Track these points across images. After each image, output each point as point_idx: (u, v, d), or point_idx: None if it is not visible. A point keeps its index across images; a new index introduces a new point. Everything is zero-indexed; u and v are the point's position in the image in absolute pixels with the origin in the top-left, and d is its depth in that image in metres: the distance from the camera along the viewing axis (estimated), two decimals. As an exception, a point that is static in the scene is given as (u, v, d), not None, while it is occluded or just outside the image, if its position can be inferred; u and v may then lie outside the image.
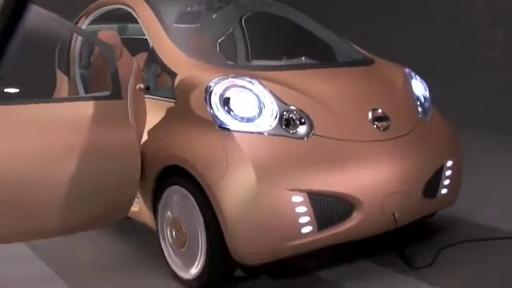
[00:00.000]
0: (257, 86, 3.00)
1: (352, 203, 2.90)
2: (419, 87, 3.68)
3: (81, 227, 3.16)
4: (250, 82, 3.01)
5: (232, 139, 2.83)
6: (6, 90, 5.19)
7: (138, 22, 3.71)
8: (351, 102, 3.21)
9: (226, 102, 2.94)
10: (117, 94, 3.11)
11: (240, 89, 2.99)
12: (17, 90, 5.12)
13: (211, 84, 2.98)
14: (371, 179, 2.95)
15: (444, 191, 3.39)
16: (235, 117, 2.91)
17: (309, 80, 3.27)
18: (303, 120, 2.97)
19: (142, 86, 3.40)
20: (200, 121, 2.96)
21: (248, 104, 2.95)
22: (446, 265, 3.19)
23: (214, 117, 2.91)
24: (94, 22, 4.32)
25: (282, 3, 4.39)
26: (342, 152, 2.95)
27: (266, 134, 2.88)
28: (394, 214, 3.01)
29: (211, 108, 2.93)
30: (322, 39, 4.15)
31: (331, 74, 3.47)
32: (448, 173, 3.41)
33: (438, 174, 3.34)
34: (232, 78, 3.02)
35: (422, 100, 3.60)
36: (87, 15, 4.30)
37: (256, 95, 2.97)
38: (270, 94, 2.99)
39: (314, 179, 2.81)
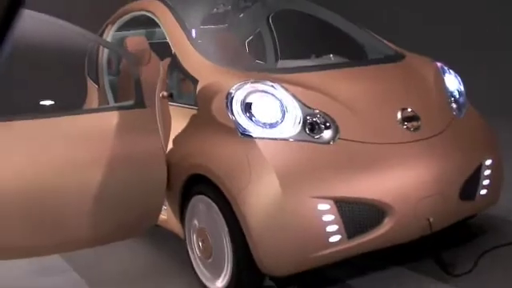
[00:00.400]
0: (279, 91, 2.90)
1: (382, 209, 2.76)
2: (453, 82, 3.49)
3: (110, 238, 3.14)
4: (271, 86, 2.92)
5: (254, 146, 2.74)
6: (41, 103, 5.27)
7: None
8: (379, 102, 3.07)
9: (247, 107, 2.85)
10: (140, 102, 3.08)
11: (262, 94, 2.90)
12: (52, 103, 5.19)
13: (232, 90, 2.90)
14: (402, 183, 2.81)
15: (483, 192, 3.21)
16: (257, 123, 2.82)
17: (334, 81, 3.15)
18: (328, 124, 2.85)
19: (165, 93, 3.35)
20: (222, 128, 2.89)
21: (270, 109, 2.86)
22: (486, 271, 3.02)
23: (236, 124, 2.83)
24: (120, 28, 4.31)
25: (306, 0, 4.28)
26: (369, 156, 2.82)
27: (289, 139, 2.78)
28: (428, 219, 2.86)
29: (233, 115, 2.85)
30: (350, 35, 4.01)
31: (357, 73, 3.33)
32: (487, 172, 3.23)
33: (476, 174, 3.16)
34: (253, 82, 2.93)
35: (457, 96, 3.42)
36: (113, 23, 4.29)
37: (278, 100, 2.87)
38: (292, 98, 2.88)
39: (340, 186, 2.70)
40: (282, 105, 2.86)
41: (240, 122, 2.83)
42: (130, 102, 3.12)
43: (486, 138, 3.36)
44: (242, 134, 2.81)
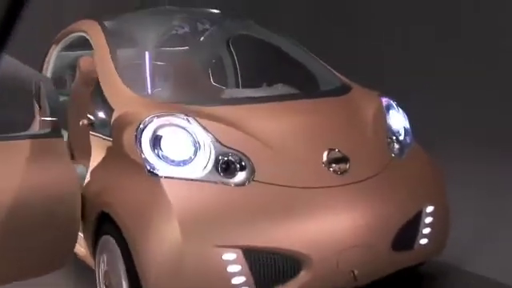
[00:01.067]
0: (193, 125, 2.67)
1: (298, 260, 2.51)
2: (398, 120, 3.25)
3: (19, 275, 2.91)
4: (186, 120, 2.69)
5: (159, 187, 2.51)
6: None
7: None
8: (304, 141, 2.82)
9: (157, 142, 2.63)
10: (56, 131, 2.86)
11: (174, 128, 2.67)
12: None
13: (143, 122, 2.67)
14: (322, 232, 2.56)
15: (424, 241, 2.93)
16: (166, 160, 2.60)
17: (260, 116, 2.92)
18: (243, 164, 2.62)
19: (85, 121, 3.14)
20: (132, 164, 2.66)
21: (182, 145, 2.63)
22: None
23: (145, 160, 2.60)
24: (65, 49, 4.12)
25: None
26: (287, 201, 2.58)
27: (198, 180, 2.55)
28: (352, 271, 2.60)
29: (141, 150, 2.62)
30: (302, 64, 3.78)
31: (290, 107, 3.10)
32: (428, 220, 2.96)
33: (415, 222, 2.90)
34: (167, 115, 2.70)
35: (400, 134, 3.17)
36: (57, 43, 4.10)
37: (191, 135, 2.64)
38: (206, 134, 2.65)
39: (250, 233, 2.46)
40: (194, 141, 2.63)
41: (148, 159, 2.60)
42: (47, 130, 2.91)
43: (430, 183, 3.09)
44: (149, 171, 2.58)
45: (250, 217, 2.49)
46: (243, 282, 2.43)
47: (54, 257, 2.90)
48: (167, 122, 2.67)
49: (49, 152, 2.84)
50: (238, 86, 4.53)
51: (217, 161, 2.59)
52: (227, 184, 2.55)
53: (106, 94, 3.03)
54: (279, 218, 2.53)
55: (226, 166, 2.59)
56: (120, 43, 3.54)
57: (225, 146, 2.64)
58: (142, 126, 2.66)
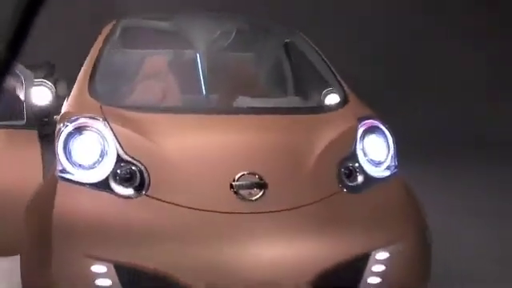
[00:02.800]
0: (106, 131, 2.57)
1: (178, 286, 2.25)
2: (377, 148, 2.78)
3: None
4: (103, 124, 2.59)
5: (54, 188, 2.47)
6: None
7: None
8: (219, 161, 2.55)
9: (68, 145, 2.56)
10: (29, 124, 2.98)
11: (89, 132, 2.58)
12: None
13: (63, 123, 2.63)
14: (214, 262, 2.28)
15: None
16: (74, 163, 2.53)
17: (190, 128, 2.73)
18: (139, 176, 2.45)
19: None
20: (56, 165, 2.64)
21: (90, 150, 2.54)
22: None
23: (58, 160, 2.56)
24: None
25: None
26: (178, 222, 2.35)
27: (91, 186, 2.45)
28: None
29: (56, 150, 2.58)
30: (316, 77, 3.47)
31: (230, 122, 2.83)
32: (378, 268, 2.48)
33: (356, 267, 2.45)
34: (86, 117, 2.63)
35: (375, 164, 2.72)
36: None
37: (103, 141, 2.55)
38: (114, 142, 2.53)
39: (125, 249, 2.29)
40: (102, 146, 2.53)
41: (60, 159, 2.55)
42: (21, 122, 3.02)
43: (391, 226, 2.59)
44: (59, 172, 2.52)
45: (130, 231, 2.32)
46: None
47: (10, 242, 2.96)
48: (83, 125, 2.60)
49: (20, 143, 2.94)
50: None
51: (115, 169, 2.47)
52: (116, 194, 2.41)
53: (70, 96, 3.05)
54: (163, 238, 2.31)
55: (122, 176, 2.45)
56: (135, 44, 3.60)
57: (128, 155, 2.51)
58: (61, 126, 2.62)
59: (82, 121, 2.61)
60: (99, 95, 2.91)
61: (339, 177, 2.61)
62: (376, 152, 2.77)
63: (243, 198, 2.41)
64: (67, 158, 2.53)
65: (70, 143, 2.55)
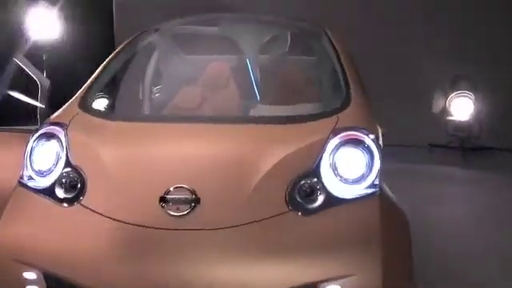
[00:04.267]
0: (64, 139, 2.63)
1: None
2: (352, 164, 2.53)
3: None
4: (63, 131, 2.66)
5: (11, 194, 2.56)
6: None
7: None
8: (152, 172, 2.48)
9: (31, 151, 2.65)
10: None
11: (50, 139, 2.66)
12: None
13: (35, 131, 2.73)
14: (128, 277, 2.22)
15: None
16: (34, 169, 2.61)
17: (135, 138, 2.68)
18: (76, 184, 2.48)
19: None
20: None
21: (47, 157, 2.61)
22: None
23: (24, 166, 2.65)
24: None
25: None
26: (103, 235, 2.31)
27: (37, 192, 2.52)
28: None
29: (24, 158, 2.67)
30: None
31: (184, 133, 2.73)
32: None
33: None
34: (52, 124, 2.72)
35: (334, 185, 2.48)
36: None
37: (58, 148, 2.62)
38: (63, 148, 2.59)
39: (51, 258, 2.31)
40: (58, 154, 2.59)
41: (23, 165, 2.64)
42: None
43: (348, 256, 2.34)
44: (19, 177, 2.62)
45: (62, 241, 2.33)
46: None
47: None
48: (48, 132, 2.69)
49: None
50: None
51: (61, 177, 2.51)
52: (57, 202, 2.45)
53: None
54: (87, 250, 2.28)
55: (66, 184, 2.49)
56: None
57: (72, 162, 2.54)
58: (32, 134, 2.71)
59: (47, 128, 2.70)
60: (88, 103, 2.97)
61: (290, 196, 2.41)
62: (351, 169, 2.52)
63: (170, 214, 2.32)
64: (29, 164, 2.61)
65: (34, 150, 2.64)
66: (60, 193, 2.48)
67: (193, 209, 2.33)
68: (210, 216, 2.33)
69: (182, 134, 2.71)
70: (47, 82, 3.40)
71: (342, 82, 3.11)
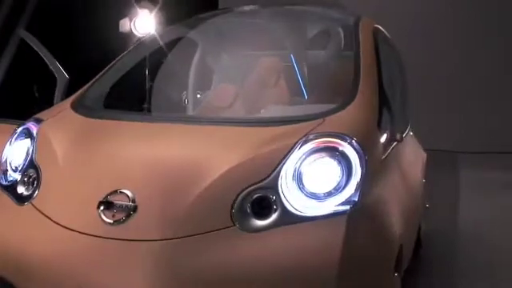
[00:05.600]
0: (35, 134, 2.60)
1: None
2: (322, 176, 2.19)
3: None
4: (37, 128, 2.63)
5: None
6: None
7: None
8: (97, 174, 2.32)
9: (11, 147, 2.65)
10: None
11: (23, 135, 2.64)
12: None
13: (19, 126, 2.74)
14: (59, 283, 2.13)
15: None
16: (8, 164, 2.59)
17: (100, 137, 2.55)
18: (34, 184, 2.41)
19: None
20: None
21: (21, 153, 2.57)
22: None
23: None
24: None
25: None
26: (44, 238, 2.23)
27: (4, 189, 2.50)
28: None
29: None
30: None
31: (142, 132, 2.57)
32: None
33: None
34: (31, 122, 2.68)
35: (295, 198, 2.15)
36: None
37: (29, 145, 2.58)
38: (33, 146, 2.55)
39: (5, 260, 2.27)
40: (28, 150, 2.56)
41: (1, 161, 2.65)
42: None
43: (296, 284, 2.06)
44: None
45: (4, 240, 2.30)
46: None
47: None
48: (26, 128, 2.67)
49: None
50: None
51: (23, 175, 2.48)
52: (12, 200, 2.42)
53: None
54: (28, 253, 2.21)
55: (24, 182, 2.45)
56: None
57: (34, 160, 2.49)
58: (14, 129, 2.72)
59: (26, 124, 2.70)
60: (83, 100, 2.90)
61: (237, 208, 2.13)
62: (320, 181, 2.18)
63: (105, 220, 2.15)
64: (5, 159, 2.61)
65: (12, 144, 2.64)
66: (19, 191, 2.44)
67: (128, 216, 2.14)
68: (144, 226, 2.13)
69: (140, 134, 2.56)
70: (65, 77, 3.43)
71: (352, 80, 2.74)
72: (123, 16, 7.63)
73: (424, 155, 4.32)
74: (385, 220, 2.33)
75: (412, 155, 3.64)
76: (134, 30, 7.75)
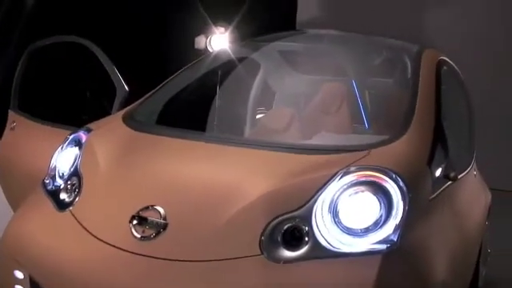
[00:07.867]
0: (84, 143, 2.65)
1: None
2: (360, 212, 2.10)
3: None
4: (85, 137, 2.69)
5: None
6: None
7: None
8: (134, 188, 2.33)
9: (59, 153, 2.73)
10: None
11: (73, 143, 2.70)
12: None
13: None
14: None
15: None
16: (56, 170, 2.65)
17: (146, 152, 2.55)
18: (75, 192, 2.45)
19: None
20: None
21: (69, 159, 2.64)
22: None
23: None
24: None
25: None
26: (78, 247, 2.25)
27: (45, 192, 2.56)
28: None
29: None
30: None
31: (188, 151, 2.53)
32: None
33: None
34: (81, 131, 2.74)
35: (328, 232, 2.06)
36: None
37: (77, 152, 2.64)
38: (78, 154, 2.60)
39: (34, 262, 2.31)
40: (76, 158, 2.62)
41: (50, 167, 2.72)
42: None
43: None
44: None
45: (40, 246, 2.33)
46: None
47: None
48: (77, 137, 2.72)
49: None
50: None
51: (67, 182, 2.52)
52: (54, 206, 2.45)
53: None
54: (62, 260, 2.23)
55: (68, 190, 2.49)
56: None
57: (78, 168, 2.53)
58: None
59: (77, 132, 2.75)
60: (136, 113, 2.93)
61: (267, 237, 2.06)
62: (357, 217, 2.09)
63: (135, 235, 2.15)
64: (54, 165, 2.67)
65: (62, 151, 2.70)
66: (61, 197, 2.48)
67: (158, 234, 2.14)
68: (172, 245, 2.12)
69: (183, 152, 2.54)
70: (125, 90, 3.48)
71: (404, 113, 2.63)
72: (199, 33, 7.87)
73: (489, 196, 4.08)
74: (424, 264, 2.18)
75: (472, 195, 3.43)
76: (208, 48, 7.96)
